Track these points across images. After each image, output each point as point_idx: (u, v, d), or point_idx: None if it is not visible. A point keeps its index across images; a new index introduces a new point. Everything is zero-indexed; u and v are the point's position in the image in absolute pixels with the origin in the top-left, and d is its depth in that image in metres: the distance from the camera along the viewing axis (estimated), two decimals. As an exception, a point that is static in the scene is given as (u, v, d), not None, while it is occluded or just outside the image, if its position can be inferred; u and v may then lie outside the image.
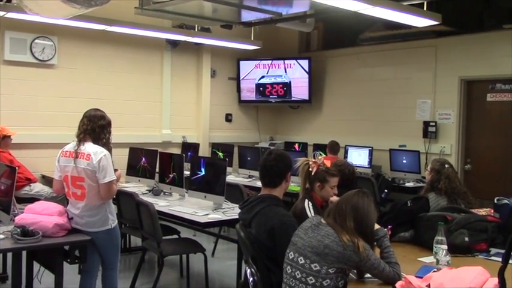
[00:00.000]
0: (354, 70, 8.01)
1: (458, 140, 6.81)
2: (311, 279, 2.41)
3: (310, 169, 3.35)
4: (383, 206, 5.64)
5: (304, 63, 8.26)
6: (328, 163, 3.67)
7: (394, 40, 7.45)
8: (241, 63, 8.51)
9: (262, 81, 8.49)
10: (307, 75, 8.24)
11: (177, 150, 7.52)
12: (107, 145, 3.43)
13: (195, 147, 7.51)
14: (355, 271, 2.56)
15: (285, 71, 8.39)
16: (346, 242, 2.40)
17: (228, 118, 8.60)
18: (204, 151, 7.75)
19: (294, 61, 8.36)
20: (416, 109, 7.15)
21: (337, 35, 8.43)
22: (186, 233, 5.06)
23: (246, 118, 8.82)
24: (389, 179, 6.70)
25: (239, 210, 3.05)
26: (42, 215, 3.29)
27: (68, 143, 3.54)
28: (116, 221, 3.55)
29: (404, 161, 6.88)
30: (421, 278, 2.44)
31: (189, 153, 7.36)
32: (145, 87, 7.59)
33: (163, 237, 4.59)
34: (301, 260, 2.45)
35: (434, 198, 3.83)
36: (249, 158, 6.75)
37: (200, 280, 4.61)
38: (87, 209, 3.40)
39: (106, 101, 7.11)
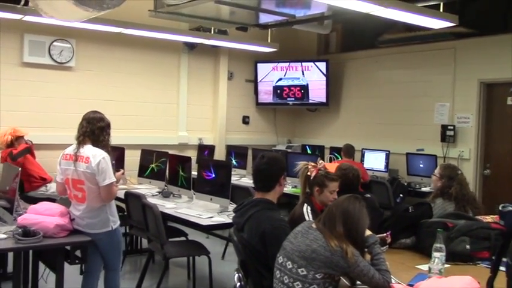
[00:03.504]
0: (372, 73, 7.91)
1: (477, 144, 6.64)
2: (298, 284, 2.38)
3: (309, 173, 3.31)
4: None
5: (322, 65, 8.20)
6: (331, 167, 3.63)
7: (413, 42, 7.34)
8: (259, 65, 8.50)
9: (280, 83, 8.47)
10: (324, 78, 8.18)
11: (193, 153, 7.58)
12: (107, 147, 3.46)
13: (210, 149, 7.54)
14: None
15: (303, 74, 8.34)
16: (334, 247, 2.36)
17: (245, 120, 8.60)
18: (220, 153, 7.77)
19: (312, 63, 8.30)
20: (434, 112, 7.01)
21: (355, 37, 8.36)
22: (198, 235, 5.07)
23: (263, 120, 8.81)
24: (405, 184, 6.58)
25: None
26: (44, 216, 3.34)
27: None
28: (118, 222, 3.58)
29: (421, 165, 6.75)
30: (412, 286, 2.40)
31: (204, 155, 7.41)
32: (162, 89, 7.66)
33: (171, 239, 4.65)
34: (289, 265, 2.43)
35: (441, 204, 3.73)
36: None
37: (207, 283, 4.61)
38: (88, 211, 3.44)
39: (123, 103, 7.25)
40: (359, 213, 2.51)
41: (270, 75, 8.50)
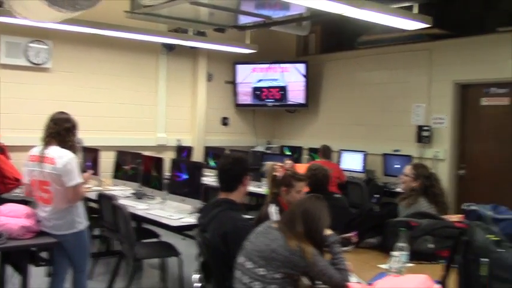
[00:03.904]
0: (351, 74, 7.96)
1: (452, 145, 6.71)
2: (257, 284, 2.38)
3: (276, 173, 3.33)
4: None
5: (301, 67, 8.23)
6: (302, 168, 3.65)
7: (391, 44, 7.39)
8: (238, 67, 8.51)
9: (259, 84, 8.49)
10: (303, 79, 8.21)
11: (172, 154, 7.56)
12: (73, 148, 3.44)
13: (189, 150, 7.53)
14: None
15: (282, 75, 8.37)
16: (293, 246, 2.37)
17: (225, 122, 8.60)
18: (199, 154, 7.76)
19: (291, 65, 8.34)
20: (411, 113, 7.07)
21: (334, 39, 8.40)
22: (174, 237, 5.04)
23: (242, 122, 8.82)
24: (381, 184, 6.62)
25: None
26: (8, 217, 3.31)
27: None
28: (84, 223, 3.56)
29: (397, 166, 6.80)
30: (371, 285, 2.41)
31: (182, 156, 7.39)
32: (141, 91, 7.63)
33: (144, 241, 4.64)
34: (248, 265, 2.43)
35: (427, 203, 3.73)
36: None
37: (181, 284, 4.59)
38: (54, 212, 3.42)
39: (100, 104, 7.21)
40: (319, 212, 2.52)
41: (249, 76, 8.51)
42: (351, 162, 7.27)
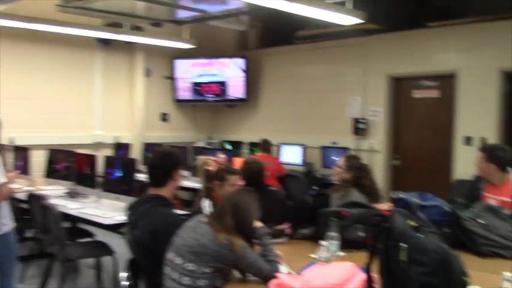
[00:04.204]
0: (289, 68, 8.04)
1: (387, 136, 6.90)
2: (186, 280, 2.35)
3: (209, 167, 3.30)
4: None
5: (240, 62, 8.23)
6: (237, 162, 3.63)
7: (328, 38, 7.50)
8: (177, 62, 8.41)
9: (199, 80, 8.42)
10: (243, 74, 8.21)
11: (109, 152, 7.38)
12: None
13: (127, 147, 7.37)
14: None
15: (221, 70, 8.34)
16: (223, 240, 2.35)
17: (164, 118, 8.48)
18: (138, 151, 7.61)
19: (230, 60, 8.32)
20: (348, 106, 7.21)
21: (273, 34, 8.44)
22: (110, 236, 4.92)
23: (183, 117, 8.72)
24: (320, 176, 6.73)
25: None
26: None
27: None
28: (10, 225, 3.40)
29: (334, 158, 6.91)
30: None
31: (120, 154, 7.24)
32: (76, 87, 7.41)
33: (78, 240, 4.50)
34: (177, 260, 2.40)
35: (358, 195, 3.79)
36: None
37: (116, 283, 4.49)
38: (-23, 214, 3.26)
39: (34, 101, 6.96)
40: (249, 205, 2.52)
41: (188, 71, 8.43)
42: (291, 156, 7.35)
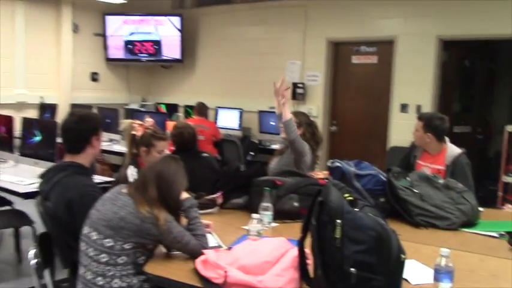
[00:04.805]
0: (227, 29, 7.74)
1: (324, 102, 6.81)
2: (103, 257, 2.12)
3: (135, 132, 3.04)
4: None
5: (176, 20, 7.85)
6: (169, 125, 3.38)
7: (267, -1, 7.25)
8: (108, 18, 7.90)
9: (131, 38, 7.97)
10: (179, 34, 7.85)
11: (34, 113, 6.90)
12: None
13: (53, 108, 6.91)
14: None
15: (156, 29, 7.92)
16: (145, 213, 2.13)
17: (94, 77, 8.00)
18: (65, 113, 7.14)
19: (165, 18, 7.91)
20: (285, 70, 7.04)
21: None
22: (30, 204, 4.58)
23: (114, 78, 8.27)
24: (257, 142, 6.58)
25: None
26: None
27: None
28: None
29: (272, 123, 6.78)
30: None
31: (45, 116, 6.79)
32: (-6, 42, 6.80)
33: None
34: (94, 236, 2.16)
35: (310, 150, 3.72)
36: (108, 121, 6.28)
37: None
38: None
39: None
40: (174, 175, 2.30)
41: (120, 29, 7.95)
42: (227, 120, 7.14)
